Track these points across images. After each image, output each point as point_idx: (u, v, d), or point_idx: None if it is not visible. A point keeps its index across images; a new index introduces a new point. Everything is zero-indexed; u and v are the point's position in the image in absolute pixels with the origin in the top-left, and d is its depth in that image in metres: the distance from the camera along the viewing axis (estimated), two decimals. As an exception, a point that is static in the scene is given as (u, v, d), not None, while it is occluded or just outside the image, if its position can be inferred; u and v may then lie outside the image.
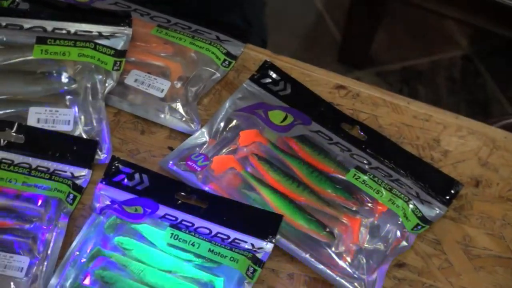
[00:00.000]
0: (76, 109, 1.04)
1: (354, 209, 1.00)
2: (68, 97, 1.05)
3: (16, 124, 1.01)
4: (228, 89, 1.10)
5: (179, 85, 1.08)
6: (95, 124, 1.04)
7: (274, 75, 1.10)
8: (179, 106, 1.06)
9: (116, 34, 1.06)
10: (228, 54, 1.10)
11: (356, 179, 1.01)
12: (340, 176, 1.02)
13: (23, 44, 1.05)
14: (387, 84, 2.29)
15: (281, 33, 1.50)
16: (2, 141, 1.00)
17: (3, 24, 1.05)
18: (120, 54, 1.05)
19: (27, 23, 1.06)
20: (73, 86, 1.05)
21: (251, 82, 1.09)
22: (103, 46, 1.06)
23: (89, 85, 1.05)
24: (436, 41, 2.42)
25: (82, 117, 1.04)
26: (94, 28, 1.06)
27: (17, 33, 1.06)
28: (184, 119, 1.06)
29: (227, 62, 1.10)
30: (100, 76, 1.06)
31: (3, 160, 0.99)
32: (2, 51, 1.05)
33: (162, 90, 1.06)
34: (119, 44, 1.06)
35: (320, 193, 1.01)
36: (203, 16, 1.14)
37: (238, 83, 1.10)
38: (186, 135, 1.06)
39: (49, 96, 1.05)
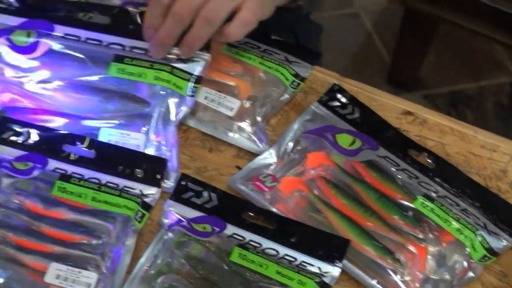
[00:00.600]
0: (147, 132, 1.04)
1: (420, 236, 1.00)
2: (140, 119, 1.05)
3: (87, 139, 1.02)
4: (296, 110, 1.10)
5: (248, 104, 1.08)
6: (165, 149, 1.04)
7: (342, 99, 1.10)
8: (247, 125, 1.07)
9: (194, 58, 1.05)
10: (296, 75, 1.11)
11: (423, 207, 1.01)
12: (407, 203, 1.02)
13: (100, 61, 1.05)
14: (435, 107, 2.29)
15: (329, 52, 1.50)
16: (73, 155, 1.01)
17: (82, 38, 1.06)
18: (196, 80, 1.05)
19: (106, 39, 1.06)
20: (146, 109, 1.04)
21: (319, 104, 1.09)
22: (180, 70, 1.05)
23: (162, 109, 1.05)
24: (484, 66, 2.42)
25: (153, 141, 1.04)
26: (172, 50, 1.05)
27: (94, 48, 1.06)
28: (252, 138, 1.06)
29: (295, 84, 1.10)
30: (175, 101, 1.05)
31: (73, 175, 1.00)
32: (78, 66, 1.05)
33: (232, 109, 1.07)
34: (196, 69, 1.05)
35: (387, 219, 1.01)
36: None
37: (306, 104, 1.10)
38: (253, 154, 1.06)
39: (121, 117, 1.05)
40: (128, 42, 1.05)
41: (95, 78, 1.05)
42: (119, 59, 1.05)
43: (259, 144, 1.06)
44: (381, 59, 2.41)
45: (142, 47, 1.05)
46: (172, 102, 1.05)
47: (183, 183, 1.01)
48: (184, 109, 1.05)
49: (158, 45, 1.03)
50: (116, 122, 1.05)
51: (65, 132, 1.03)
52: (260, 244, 0.97)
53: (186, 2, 0.98)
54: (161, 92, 1.06)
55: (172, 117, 1.05)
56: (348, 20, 2.49)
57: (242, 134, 1.07)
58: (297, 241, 0.98)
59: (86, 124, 1.05)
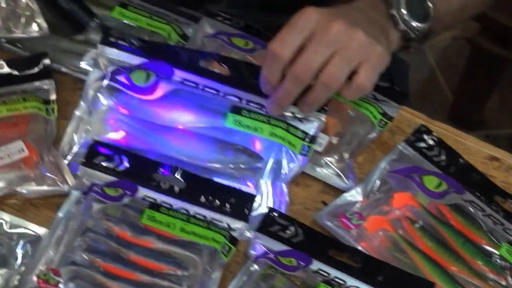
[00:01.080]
0: (257, 187, 1.05)
1: (503, 283, 1.00)
2: (250, 173, 1.06)
3: (178, 169, 1.03)
4: (382, 149, 1.11)
5: (335, 140, 1.09)
6: (273, 206, 1.05)
7: (429, 140, 1.10)
8: (334, 161, 1.08)
9: (310, 118, 1.06)
10: (384, 114, 1.11)
11: (509, 254, 1.01)
12: (492, 249, 1.02)
13: (216, 109, 1.07)
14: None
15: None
16: (164, 184, 1.02)
17: (201, 85, 1.07)
18: (311, 139, 1.05)
19: (224, 89, 1.06)
20: (259, 164, 1.06)
21: (406, 144, 1.10)
22: (295, 128, 1.05)
23: (274, 165, 1.06)
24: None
25: (261, 196, 1.05)
26: (289, 107, 1.05)
27: (212, 97, 1.07)
28: (339, 174, 1.07)
29: (383, 122, 1.11)
30: (288, 158, 1.06)
31: (163, 204, 1.01)
32: (194, 112, 1.07)
33: (320, 144, 1.07)
34: (311, 129, 1.05)
35: (471, 264, 1.01)
36: None
37: (392, 143, 1.11)
38: (338, 190, 1.07)
39: (232, 168, 1.06)
40: (245, 95, 1.06)
41: (210, 125, 1.07)
42: (237, 110, 1.06)
43: (346, 181, 1.07)
44: (443, 96, 2.41)
45: (260, 102, 1.06)
46: (285, 159, 1.06)
47: (270, 216, 1.02)
48: (295, 167, 1.06)
49: (276, 103, 1.04)
50: (226, 173, 1.06)
51: (157, 160, 1.04)
52: (344, 282, 0.98)
53: (306, 64, 0.98)
54: (275, 148, 1.07)
55: (283, 174, 1.06)
56: (412, 55, 2.49)
57: (329, 169, 1.08)
58: (382, 280, 0.98)
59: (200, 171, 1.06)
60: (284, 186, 1.06)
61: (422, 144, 1.10)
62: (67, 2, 0.93)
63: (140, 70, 1.07)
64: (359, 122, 1.11)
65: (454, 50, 2.49)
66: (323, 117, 1.06)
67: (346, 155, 1.09)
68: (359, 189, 1.07)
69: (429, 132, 1.11)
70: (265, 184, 1.06)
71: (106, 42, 1.09)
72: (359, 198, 1.06)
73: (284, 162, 1.06)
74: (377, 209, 1.06)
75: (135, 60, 1.08)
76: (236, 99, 1.06)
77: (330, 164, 1.08)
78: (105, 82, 1.07)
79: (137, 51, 1.08)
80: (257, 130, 1.05)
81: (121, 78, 1.07)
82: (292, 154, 1.06)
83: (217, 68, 1.09)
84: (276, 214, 1.02)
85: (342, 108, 1.12)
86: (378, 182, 1.08)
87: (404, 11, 1.04)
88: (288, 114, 1.05)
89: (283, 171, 1.06)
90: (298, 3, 1.02)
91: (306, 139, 1.05)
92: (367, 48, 0.99)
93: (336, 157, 1.08)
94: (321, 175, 1.08)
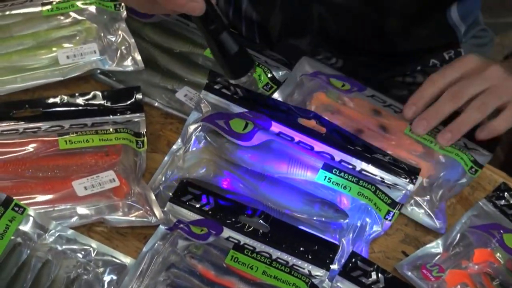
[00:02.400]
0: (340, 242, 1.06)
1: None
2: (334, 229, 1.07)
3: (263, 213, 1.05)
4: (463, 204, 1.12)
5: (426, 183, 1.10)
6: None
7: (510, 199, 1.11)
8: (425, 202, 1.09)
9: (397, 185, 1.07)
10: (475, 162, 1.12)
11: None
12: None
13: (312, 167, 1.09)
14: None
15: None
16: (247, 227, 1.04)
17: (296, 139, 1.09)
18: (395, 205, 1.07)
19: (318, 147, 1.08)
20: (343, 221, 1.07)
21: (486, 201, 1.11)
22: (383, 193, 1.07)
23: (358, 224, 1.07)
24: None
25: (343, 251, 1.06)
26: (379, 173, 1.07)
27: (303, 151, 1.09)
28: (429, 215, 1.09)
29: (473, 170, 1.12)
30: (372, 220, 1.07)
31: (246, 246, 1.03)
32: (287, 165, 1.09)
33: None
34: (398, 197, 1.07)
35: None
36: None
37: (473, 199, 1.12)
38: (418, 241, 1.08)
39: (317, 222, 1.07)
40: (338, 154, 1.08)
41: (301, 179, 1.09)
42: (328, 168, 1.08)
43: (437, 222, 1.08)
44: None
45: (351, 162, 1.08)
46: (369, 220, 1.08)
47: (352, 261, 1.03)
48: (378, 230, 1.07)
49: (426, 119, 1.09)
50: (311, 224, 1.07)
51: (242, 203, 1.06)
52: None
53: (462, 88, 1.09)
54: (361, 209, 1.08)
55: (366, 234, 1.07)
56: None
57: (420, 209, 1.09)
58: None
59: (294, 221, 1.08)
60: (365, 247, 1.07)
61: (503, 202, 1.11)
62: (235, 46, 0.96)
63: (239, 119, 1.10)
64: (450, 168, 1.12)
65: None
66: (409, 187, 1.07)
67: (436, 199, 1.10)
68: (440, 242, 1.08)
69: (510, 190, 1.12)
70: (347, 240, 1.07)
71: (210, 88, 1.12)
72: (439, 250, 1.07)
73: (368, 224, 1.07)
74: (457, 263, 1.06)
75: (236, 109, 1.11)
76: (329, 157, 1.08)
77: (421, 203, 1.09)
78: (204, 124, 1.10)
79: (239, 100, 1.11)
80: (345, 188, 1.07)
81: (221, 123, 1.09)
82: (377, 217, 1.07)
83: (313, 126, 1.11)
84: (359, 259, 1.03)
85: (433, 154, 1.13)
86: (458, 236, 1.08)
87: None
88: (378, 177, 1.07)
89: (366, 232, 1.07)
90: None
91: (392, 205, 1.06)
92: None
93: (427, 198, 1.09)
94: (411, 214, 1.10)
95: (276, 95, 1.17)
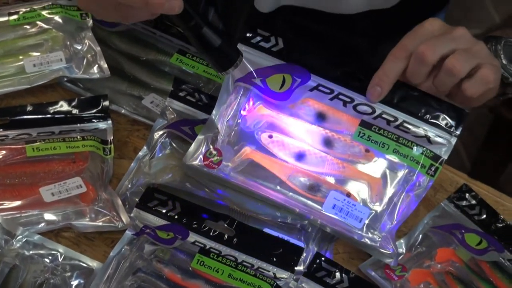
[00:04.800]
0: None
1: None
2: (300, 229, 1.09)
3: (229, 218, 1.07)
4: (426, 205, 1.14)
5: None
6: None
7: (471, 199, 1.13)
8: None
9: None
10: (435, 157, 1.08)
11: (548, 311, 1.04)
12: (530, 307, 1.05)
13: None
14: None
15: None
16: (213, 231, 1.06)
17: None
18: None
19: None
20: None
21: (448, 202, 1.13)
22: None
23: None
24: None
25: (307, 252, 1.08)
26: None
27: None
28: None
29: (433, 169, 1.07)
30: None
31: (212, 249, 1.05)
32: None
33: (361, 220, 1.05)
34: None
35: (510, 320, 1.03)
36: None
37: (435, 201, 1.14)
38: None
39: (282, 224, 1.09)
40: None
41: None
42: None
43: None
44: (460, 162, 2.44)
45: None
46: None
47: (317, 262, 1.04)
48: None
49: (375, 85, 1.05)
50: (276, 226, 1.09)
51: (208, 207, 1.08)
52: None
53: (431, 47, 1.00)
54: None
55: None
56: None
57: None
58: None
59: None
60: (329, 246, 1.09)
61: (464, 203, 1.13)
62: (217, 39, 0.97)
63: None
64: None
65: (473, 117, 2.52)
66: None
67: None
68: (402, 242, 1.10)
69: (471, 191, 1.14)
70: (313, 241, 1.08)
71: (175, 95, 1.14)
72: (403, 250, 1.09)
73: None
74: (420, 262, 1.08)
75: (200, 115, 1.12)
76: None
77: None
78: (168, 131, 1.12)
79: (203, 107, 1.13)
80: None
81: (186, 129, 1.11)
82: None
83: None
84: (323, 259, 1.05)
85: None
86: (420, 237, 1.10)
87: (504, 61, 1.09)
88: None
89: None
90: None
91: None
92: (489, 56, 1.03)
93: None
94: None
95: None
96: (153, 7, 0.93)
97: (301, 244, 1.07)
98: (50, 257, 1.02)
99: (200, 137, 1.07)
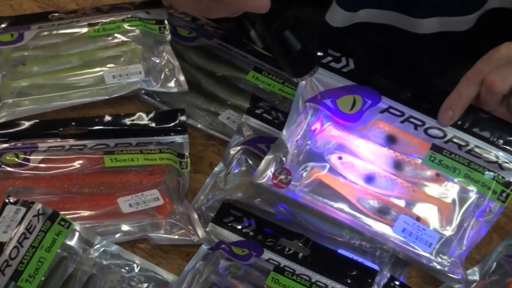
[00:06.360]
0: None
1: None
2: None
3: (304, 237, 1.07)
4: (498, 233, 1.13)
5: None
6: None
7: (547, 229, 1.13)
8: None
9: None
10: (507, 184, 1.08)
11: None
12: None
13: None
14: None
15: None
16: (287, 249, 1.05)
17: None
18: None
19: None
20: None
21: (522, 231, 1.13)
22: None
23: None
24: None
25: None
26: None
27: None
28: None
29: (504, 196, 1.08)
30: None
31: (286, 268, 1.04)
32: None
33: (430, 245, 1.06)
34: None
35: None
36: None
37: (509, 229, 1.13)
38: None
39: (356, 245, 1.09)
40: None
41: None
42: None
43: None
44: None
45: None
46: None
47: (391, 285, 1.04)
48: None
49: (447, 108, 1.05)
50: (351, 247, 1.08)
51: (283, 225, 1.08)
52: None
53: (503, 77, 1.00)
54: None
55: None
56: None
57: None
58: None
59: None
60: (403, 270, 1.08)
61: (539, 233, 1.13)
62: (298, 44, 0.96)
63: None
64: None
65: None
66: None
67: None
68: (476, 270, 1.09)
69: (546, 220, 1.14)
70: (387, 265, 1.08)
71: (252, 112, 1.14)
72: (476, 278, 1.08)
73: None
74: (493, 291, 1.08)
75: (276, 133, 1.12)
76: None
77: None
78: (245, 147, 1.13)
79: (280, 125, 1.12)
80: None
81: (262, 147, 1.11)
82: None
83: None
84: (397, 283, 1.04)
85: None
86: (494, 265, 1.10)
87: None
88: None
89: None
90: None
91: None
92: None
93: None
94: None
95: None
96: (240, 3, 0.93)
97: (375, 266, 1.07)
98: (126, 268, 1.02)
99: (269, 156, 1.07)
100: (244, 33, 1.04)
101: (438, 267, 1.04)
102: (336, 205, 1.07)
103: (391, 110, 1.08)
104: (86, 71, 1.17)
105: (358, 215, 1.06)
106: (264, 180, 1.06)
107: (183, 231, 1.06)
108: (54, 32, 1.20)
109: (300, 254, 1.05)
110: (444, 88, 1.20)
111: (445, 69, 1.32)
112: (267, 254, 1.05)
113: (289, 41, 0.97)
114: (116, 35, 1.20)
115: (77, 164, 1.08)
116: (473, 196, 1.07)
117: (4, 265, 0.96)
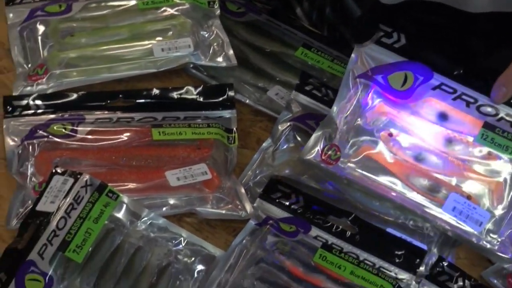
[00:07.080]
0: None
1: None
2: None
3: (353, 215, 1.06)
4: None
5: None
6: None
7: None
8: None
9: None
10: None
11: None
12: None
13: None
14: None
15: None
16: (335, 227, 1.04)
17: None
18: None
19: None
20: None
21: None
22: None
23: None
24: None
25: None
26: None
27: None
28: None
29: None
30: None
31: (334, 245, 1.03)
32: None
33: (481, 224, 1.04)
34: None
35: None
36: None
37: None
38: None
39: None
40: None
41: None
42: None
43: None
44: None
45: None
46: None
47: (439, 265, 1.03)
48: None
49: (501, 85, 1.03)
50: (400, 226, 1.07)
51: (331, 203, 1.07)
52: None
53: None
54: None
55: None
56: None
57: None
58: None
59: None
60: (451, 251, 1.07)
61: None
62: (358, 10, 0.95)
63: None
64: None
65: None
66: None
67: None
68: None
69: None
70: (435, 245, 1.07)
71: (301, 89, 1.13)
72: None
73: None
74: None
75: (325, 110, 1.11)
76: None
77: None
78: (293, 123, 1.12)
79: (329, 102, 1.10)
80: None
81: (311, 123, 1.10)
82: None
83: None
84: (445, 264, 1.03)
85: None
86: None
87: None
88: None
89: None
90: None
91: None
92: None
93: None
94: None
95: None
96: None
97: (423, 246, 1.05)
98: (173, 241, 1.02)
99: (318, 132, 1.06)
100: (290, 10, 1.03)
101: (488, 246, 1.03)
102: (386, 182, 1.05)
103: (443, 87, 1.07)
104: (134, 43, 1.16)
105: (408, 193, 1.05)
106: (313, 156, 1.05)
107: (231, 206, 1.05)
108: (103, 3, 1.19)
109: (348, 232, 1.04)
110: (494, 68, 1.19)
111: (495, 49, 1.30)
112: (314, 231, 1.04)
113: (350, 7, 0.96)
114: (165, 8, 1.19)
115: (124, 136, 1.08)
116: None
117: (51, 235, 0.96)
